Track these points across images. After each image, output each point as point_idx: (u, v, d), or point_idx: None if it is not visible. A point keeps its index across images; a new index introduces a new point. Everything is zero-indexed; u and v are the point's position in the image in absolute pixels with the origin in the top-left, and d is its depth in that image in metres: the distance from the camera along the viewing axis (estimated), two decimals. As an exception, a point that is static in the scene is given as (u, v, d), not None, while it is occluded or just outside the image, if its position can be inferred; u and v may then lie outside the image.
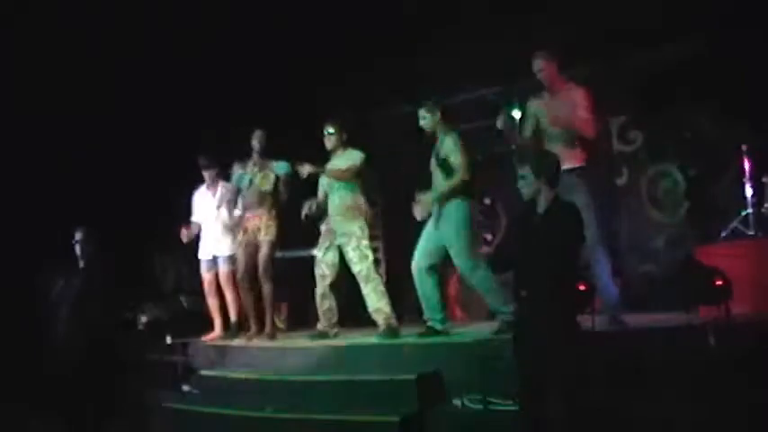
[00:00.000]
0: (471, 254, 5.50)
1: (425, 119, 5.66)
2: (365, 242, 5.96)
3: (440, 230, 5.55)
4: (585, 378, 3.69)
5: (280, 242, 6.61)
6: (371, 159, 6.22)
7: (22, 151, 7.00)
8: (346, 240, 5.95)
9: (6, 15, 6.53)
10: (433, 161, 5.64)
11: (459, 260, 5.52)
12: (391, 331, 5.79)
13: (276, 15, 7.23)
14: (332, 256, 6.03)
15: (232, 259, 6.74)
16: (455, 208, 5.50)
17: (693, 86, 6.32)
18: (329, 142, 6.10)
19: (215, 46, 7.28)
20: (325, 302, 6.08)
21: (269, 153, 6.53)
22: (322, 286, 6.06)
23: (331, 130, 6.08)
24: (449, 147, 5.54)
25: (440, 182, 5.57)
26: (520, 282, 3.80)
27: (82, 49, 6.94)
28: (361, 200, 6.06)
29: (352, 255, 5.93)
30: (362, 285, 5.93)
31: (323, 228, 6.14)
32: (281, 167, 6.44)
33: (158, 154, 7.46)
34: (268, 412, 5.09)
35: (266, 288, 6.43)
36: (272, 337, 6.39)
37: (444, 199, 5.50)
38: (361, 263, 5.91)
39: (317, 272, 6.07)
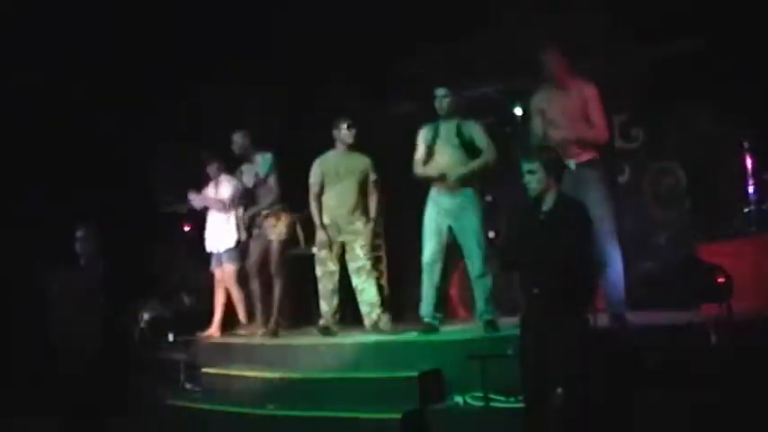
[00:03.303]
0: (486, 240, 5.53)
1: (447, 97, 5.63)
2: (371, 239, 6.05)
3: (456, 216, 5.52)
4: (589, 375, 3.69)
5: (291, 240, 6.69)
6: (372, 158, 6.24)
7: (23, 149, 7.01)
8: (353, 237, 6.00)
9: (7, 13, 6.54)
10: (443, 143, 5.62)
11: (476, 244, 5.46)
12: (379, 327, 5.87)
13: (279, 14, 7.23)
14: (336, 252, 6.03)
15: (236, 255, 6.78)
16: (474, 199, 5.52)
17: (695, 84, 6.31)
18: (350, 138, 6.11)
19: (214, 45, 7.28)
20: (334, 299, 6.06)
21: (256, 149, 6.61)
22: (332, 282, 6.03)
23: (352, 128, 6.12)
24: (475, 129, 5.59)
25: (458, 161, 5.55)
26: (531, 280, 3.78)
27: (82, 48, 6.95)
28: (367, 197, 6.11)
29: (359, 251, 5.97)
30: (362, 278, 5.96)
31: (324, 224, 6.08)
32: (264, 163, 6.51)
33: (159, 152, 7.47)
34: (270, 410, 5.11)
35: (276, 287, 6.45)
36: (274, 334, 6.39)
37: (468, 178, 5.51)
38: (366, 258, 5.98)
39: (325, 269, 6.03)
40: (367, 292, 5.97)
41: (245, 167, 6.68)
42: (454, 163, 5.56)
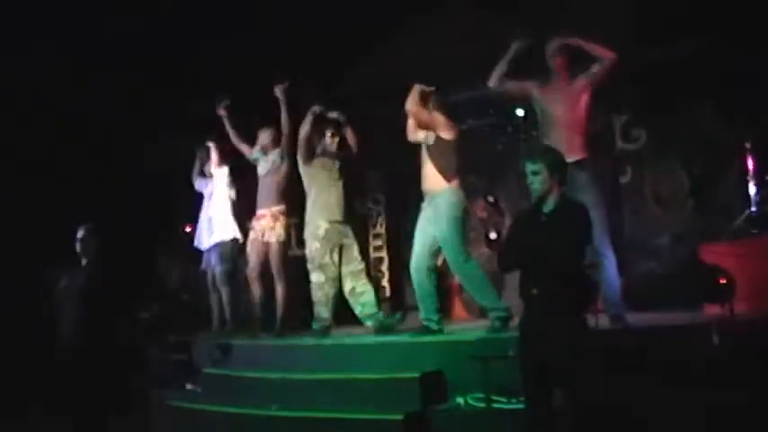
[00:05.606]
0: (461, 245, 5.44)
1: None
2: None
3: (432, 223, 5.51)
4: (591, 376, 3.68)
5: (290, 241, 6.73)
6: (373, 159, 6.26)
7: (24, 149, 7.01)
8: (352, 240, 6.10)
9: (10, 12, 6.54)
10: (424, 151, 5.61)
11: (448, 250, 5.45)
12: (386, 328, 5.92)
13: (276, 9, 7.23)
14: (337, 257, 6.05)
15: (225, 256, 6.76)
16: (446, 196, 5.48)
17: (697, 85, 6.31)
18: (333, 146, 6.24)
19: (213, 45, 7.28)
20: (331, 303, 6.06)
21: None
22: (335, 287, 6.06)
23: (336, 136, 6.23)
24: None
25: (430, 170, 5.54)
26: (530, 280, 3.77)
27: (82, 47, 6.95)
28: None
29: (356, 253, 6.07)
30: (363, 280, 6.05)
31: (322, 230, 6.04)
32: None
33: (160, 152, 7.46)
34: (272, 410, 5.10)
35: (279, 288, 6.41)
36: (282, 336, 6.36)
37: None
38: (363, 261, 6.09)
39: (328, 275, 6.01)
40: (368, 293, 6.03)
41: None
42: (427, 172, 5.57)
